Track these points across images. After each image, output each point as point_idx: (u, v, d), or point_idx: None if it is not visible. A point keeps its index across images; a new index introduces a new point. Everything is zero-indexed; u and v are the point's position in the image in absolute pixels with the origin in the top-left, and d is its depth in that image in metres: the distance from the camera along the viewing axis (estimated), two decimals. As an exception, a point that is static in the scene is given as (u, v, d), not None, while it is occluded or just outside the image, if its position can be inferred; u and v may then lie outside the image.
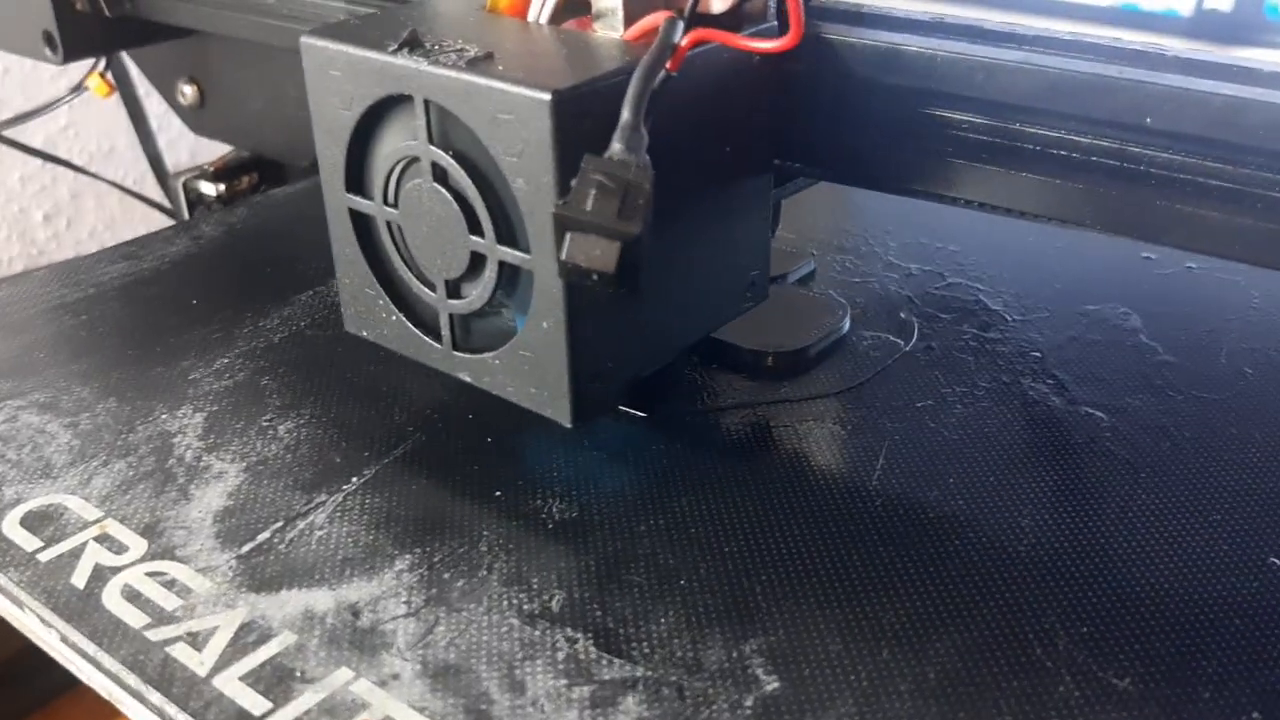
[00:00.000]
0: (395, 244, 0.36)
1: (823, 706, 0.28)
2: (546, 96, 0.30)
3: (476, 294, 0.34)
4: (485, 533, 0.34)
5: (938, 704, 0.28)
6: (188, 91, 0.67)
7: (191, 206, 0.70)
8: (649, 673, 0.29)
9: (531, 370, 0.34)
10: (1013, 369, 0.42)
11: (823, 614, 0.31)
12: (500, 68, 0.31)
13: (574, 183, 0.29)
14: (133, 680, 0.30)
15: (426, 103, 0.33)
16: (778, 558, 0.33)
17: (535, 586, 0.32)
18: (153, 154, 0.81)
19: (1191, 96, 0.31)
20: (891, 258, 0.50)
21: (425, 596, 0.32)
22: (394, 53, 0.33)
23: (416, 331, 0.37)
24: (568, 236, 0.28)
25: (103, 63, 0.69)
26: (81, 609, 0.32)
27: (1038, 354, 0.43)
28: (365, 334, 0.39)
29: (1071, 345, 0.43)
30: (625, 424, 0.39)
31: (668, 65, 0.31)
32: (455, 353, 0.36)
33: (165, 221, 0.86)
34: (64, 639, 0.32)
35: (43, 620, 0.32)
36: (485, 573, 0.33)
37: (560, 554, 0.34)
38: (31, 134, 1.00)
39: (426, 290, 0.36)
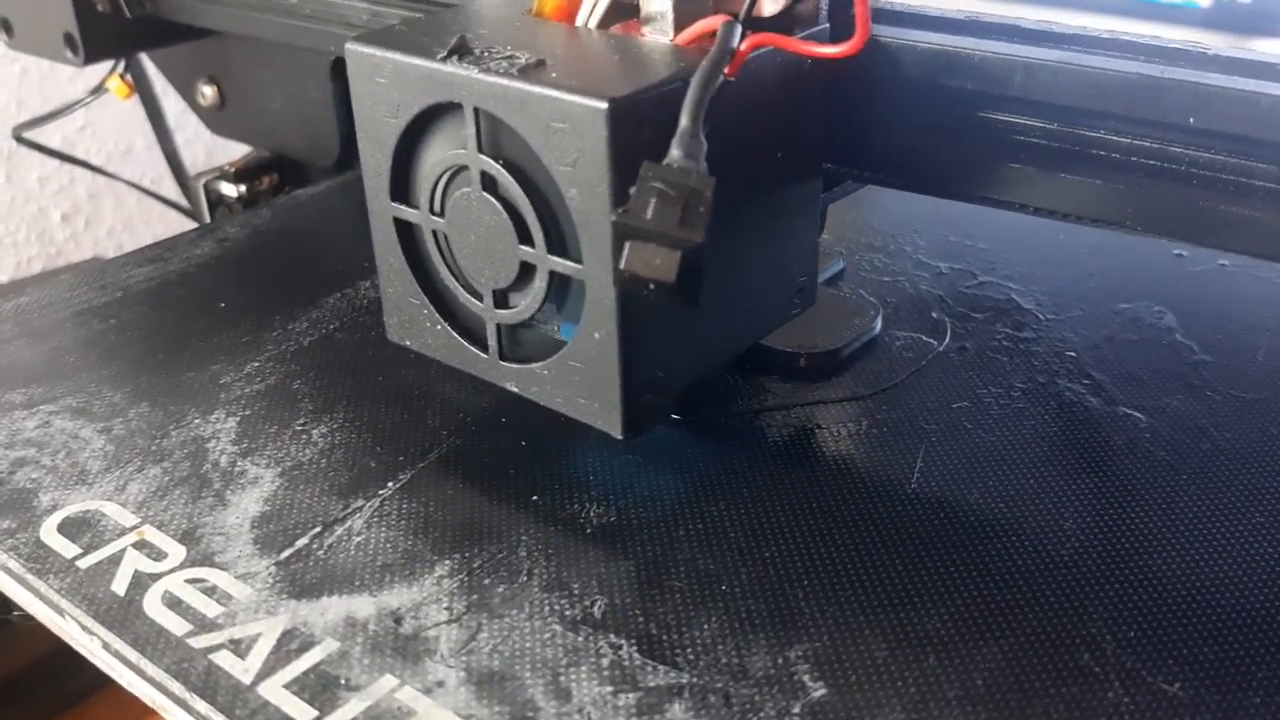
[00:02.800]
0: (441, 253, 0.36)
1: (871, 714, 0.28)
2: (603, 105, 0.29)
3: (525, 304, 0.34)
4: (524, 538, 0.34)
5: (987, 711, 0.28)
6: (207, 92, 0.67)
7: (212, 207, 0.70)
8: (694, 679, 0.29)
9: (582, 381, 0.33)
10: (1049, 369, 0.42)
11: (867, 620, 0.31)
12: (553, 75, 0.31)
13: (633, 191, 0.28)
14: (177, 688, 0.30)
15: (476, 111, 0.32)
16: (819, 562, 0.33)
17: (576, 592, 0.32)
18: (171, 154, 0.81)
19: (1239, 96, 0.30)
20: (921, 256, 0.50)
21: (466, 603, 0.32)
22: (443, 60, 0.32)
23: (462, 341, 0.36)
24: (627, 245, 0.28)
25: (122, 64, 0.69)
26: (123, 616, 0.32)
27: (1073, 354, 0.42)
28: (409, 343, 0.38)
29: (1107, 345, 0.43)
30: (659, 428, 0.39)
31: (726, 70, 0.31)
32: (502, 363, 0.36)
33: (183, 221, 0.86)
34: (106, 646, 0.31)
35: (84, 628, 0.32)
36: (525, 578, 0.33)
37: (600, 559, 0.33)
38: (49, 135, 1.01)
39: (473, 300, 0.35)
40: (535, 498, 0.36)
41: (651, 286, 0.27)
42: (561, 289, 0.33)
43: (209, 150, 0.99)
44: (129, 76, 0.69)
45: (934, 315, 0.45)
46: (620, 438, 0.34)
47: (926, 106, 0.36)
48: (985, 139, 0.35)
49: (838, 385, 0.41)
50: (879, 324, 0.44)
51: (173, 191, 0.86)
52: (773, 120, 0.35)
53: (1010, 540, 0.34)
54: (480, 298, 0.35)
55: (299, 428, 0.40)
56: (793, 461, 0.38)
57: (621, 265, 0.28)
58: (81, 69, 0.67)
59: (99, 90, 0.70)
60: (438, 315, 0.37)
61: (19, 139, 0.77)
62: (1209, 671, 0.29)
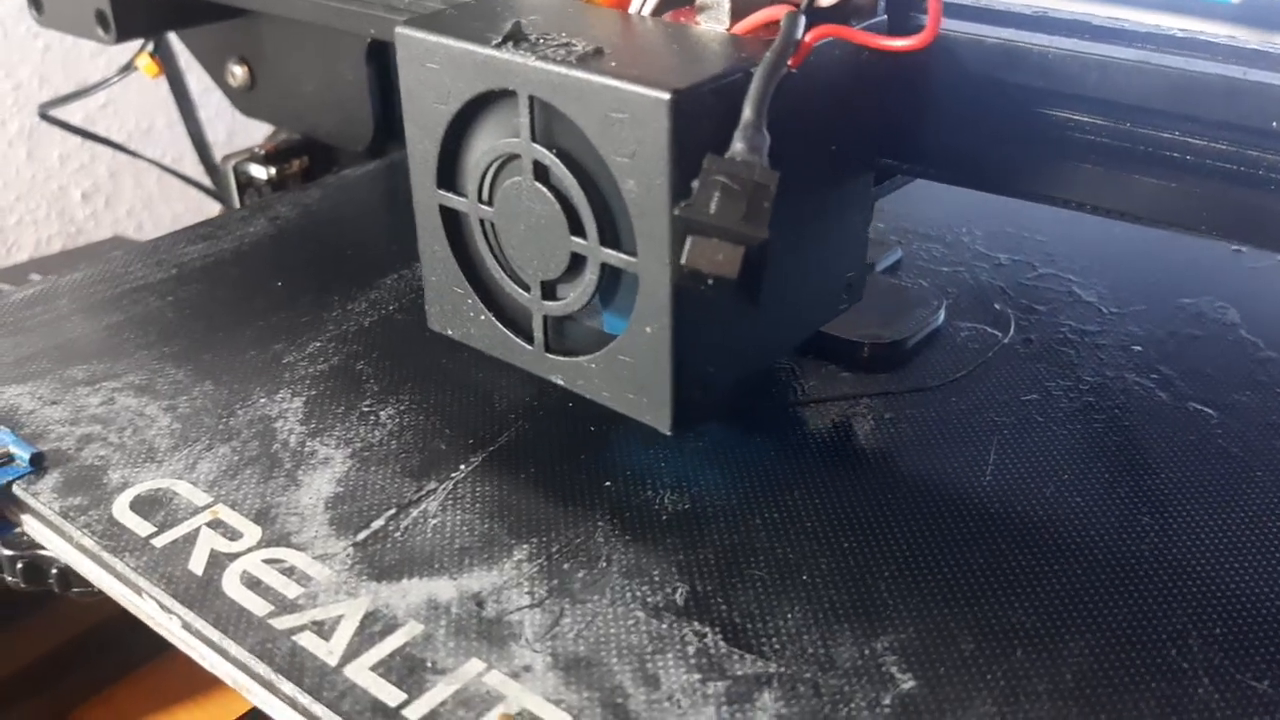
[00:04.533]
0: (488, 242, 0.35)
1: (962, 707, 0.28)
2: (666, 96, 0.29)
3: (574, 296, 0.34)
4: (600, 523, 0.34)
5: (1078, 706, 0.28)
6: (238, 72, 0.67)
7: (241, 190, 0.70)
8: (782, 669, 0.29)
9: (631, 375, 0.33)
10: (1116, 363, 0.41)
11: (950, 612, 0.31)
12: (613, 64, 0.31)
13: (695, 184, 0.28)
14: (262, 669, 0.30)
15: (531, 99, 0.32)
16: (898, 553, 0.33)
17: (656, 579, 0.32)
18: (196, 135, 0.80)
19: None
20: (979, 247, 0.50)
21: (548, 587, 0.32)
22: (497, 46, 0.32)
23: (506, 332, 0.36)
24: (689, 240, 0.27)
25: (151, 43, 0.69)
26: (202, 596, 0.32)
27: (1139, 348, 0.42)
28: (450, 332, 0.38)
29: (1171, 340, 0.43)
30: (729, 415, 0.39)
31: (789, 62, 0.30)
32: (548, 355, 0.35)
33: (203, 201, 0.86)
34: (187, 626, 0.31)
35: (163, 606, 0.32)
36: (605, 564, 0.33)
37: (677, 546, 0.33)
38: (71, 112, 1.00)
39: (519, 290, 0.35)
40: (608, 483, 0.36)
41: (710, 282, 0.27)
42: (611, 282, 0.33)
43: (230, 130, 0.99)
44: (157, 55, 0.69)
45: (996, 307, 0.45)
46: (669, 434, 0.33)
47: (993, 103, 0.35)
48: (1052, 137, 0.35)
49: (905, 376, 0.41)
50: (942, 315, 0.44)
51: (193, 171, 0.85)
52: (829, 113, 0.34)
53: (1089, 535, 0.33)
54: (527, 288, 0.35)
55: (366, 409, 0.40)
56: (864, 451, 0.37)
57: (683, 260, 0.27)
58: (106, 47, 0.67)
59: (128, 69, 0.70)
60: (482, 305, 0.36)
61: (44, 116, 0.77)
62: (1297, 670, 0.29)
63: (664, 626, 0.30)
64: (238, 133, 0.99)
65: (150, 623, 0.33)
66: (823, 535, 0.34)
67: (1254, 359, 0.42)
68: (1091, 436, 0.38)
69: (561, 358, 0.35)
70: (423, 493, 0.36)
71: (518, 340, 0.36)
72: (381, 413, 0.39)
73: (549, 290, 0.34)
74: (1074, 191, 0.36)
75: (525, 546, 0.33)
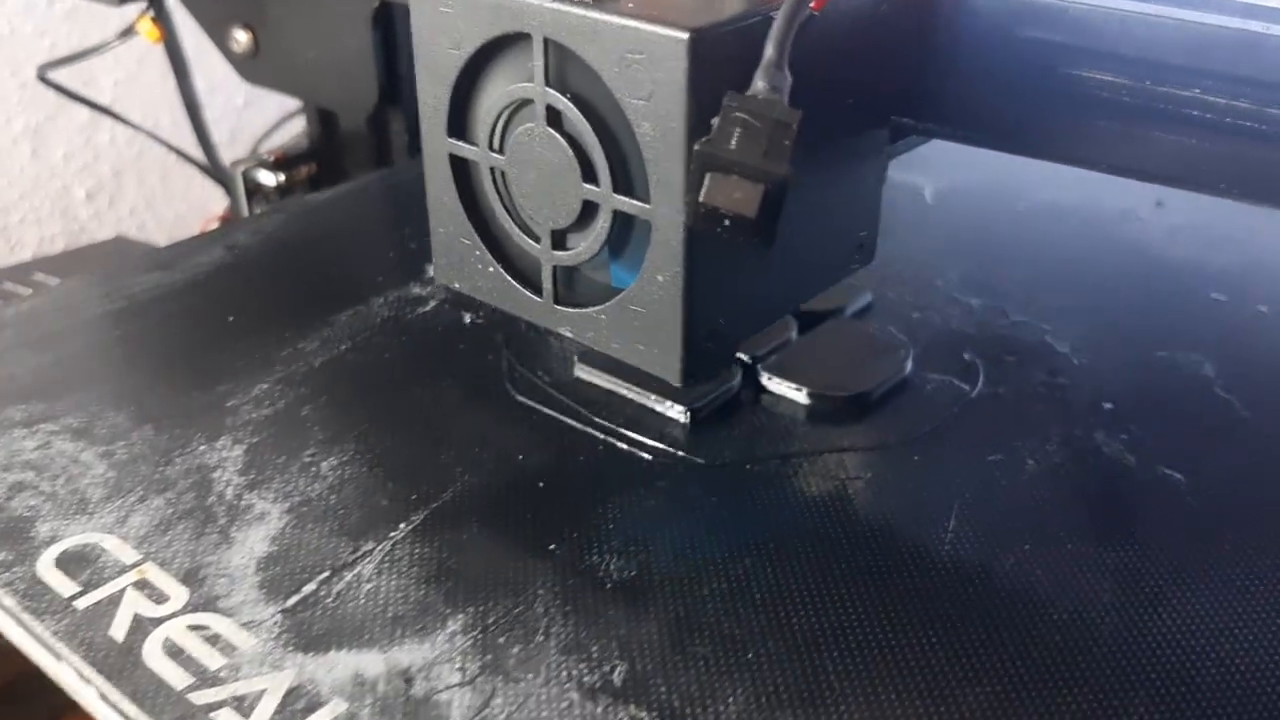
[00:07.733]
0: (498, 192, 0.35)
1: (904, 805, 0.27)
2: (684, 36, 0.29)
3: (585, 246, 0.33)
4: (540, 591, 0.33)
5: (1026, 806, 0.27)
6: (241, 38, 0.66)
7: (249, 195, 0.70)
8: (719, 759, 0.28)
9: (641, 326, 0.33)
10: (1085, 422, 0.40)
11: (900, 698, 0.30)
12: (629, 5, 0.30)
13: (715, 121, 0.28)
14: (176, 750, 0.28)
15: (546, 42, 0.31)
16: (848, 631, 0.32)
17: (595, 655, 0.31)
18: (190, 101, 0.79)
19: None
20: (952, 291, 0.48)
21: (480, 663, 0.30)
22: None
23: (514, 284, 0.36)
24: (708, 177, 0.27)
25: (152, 9, 0.68)
26: (121, 665, 0.31)
27: (1110, 405, 0.41)
28: (457, 285, 0.38)
29: (1145, 396, 0.42)
30: (682, 472, 0.38)
31: (813, 4, 0.30)
32: (557, 307, 0.35)
33: (205, 200, 0.85)
34: (103, 697, 0.30)
35: (80, 675, 0.31)
36: (542, 638, 0.31)
37: (620, 619, 0.32)
38: (74, 114, 0.99)
39: (529, 241, 0.35)
40: (553, 546, 0.35)
41: (727, 223, 0.27)
42: (622, 231, 0.33)
43: (233, 130, 0.98)
44: (159, 20, 0.69)
45: (966, 356, 0.44)
46: (678, 384, 0.33)
47: (1007, 59, 0.35)
48: (1070, 94, 0.34)
49: (866, 431, 0.40)
50: (909, 364, 0.43)
51: (190, 144, 0.84)
52: (846, 62, 0.34)
53: (1048, 613, 0.32)
54: (537, 239, 0.34)
55: (308, 459, 0.38)
56: (819, 515, 0.36)
57: (701, 197, 0.27)
58: (113, 45, 0.67)
59: (128, 32, 0.70)
60: (490, 257, 0.36)
61: (44, 79, 0.76)
62: (1257, 768, 0.28)
63: (599, 710, 0.29)
64: (241, 131, 0.98)
65: (68, 690, 0.32)
66: (771, 609, 0.32)
67: (1227, 419, 0.41)
68: (1056, 503, 0.36)
69: (570, 309, 0.35)
70: (359, 554, 0.34)
71: (526, 292, 0.36)
72: (324, 463, 0.38)
73: (559, 240, 0.34)
74: (1091, 151, 0.35)
75: (461, 616, 0.32)
